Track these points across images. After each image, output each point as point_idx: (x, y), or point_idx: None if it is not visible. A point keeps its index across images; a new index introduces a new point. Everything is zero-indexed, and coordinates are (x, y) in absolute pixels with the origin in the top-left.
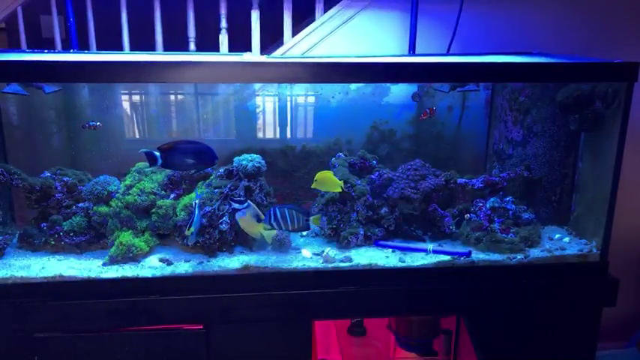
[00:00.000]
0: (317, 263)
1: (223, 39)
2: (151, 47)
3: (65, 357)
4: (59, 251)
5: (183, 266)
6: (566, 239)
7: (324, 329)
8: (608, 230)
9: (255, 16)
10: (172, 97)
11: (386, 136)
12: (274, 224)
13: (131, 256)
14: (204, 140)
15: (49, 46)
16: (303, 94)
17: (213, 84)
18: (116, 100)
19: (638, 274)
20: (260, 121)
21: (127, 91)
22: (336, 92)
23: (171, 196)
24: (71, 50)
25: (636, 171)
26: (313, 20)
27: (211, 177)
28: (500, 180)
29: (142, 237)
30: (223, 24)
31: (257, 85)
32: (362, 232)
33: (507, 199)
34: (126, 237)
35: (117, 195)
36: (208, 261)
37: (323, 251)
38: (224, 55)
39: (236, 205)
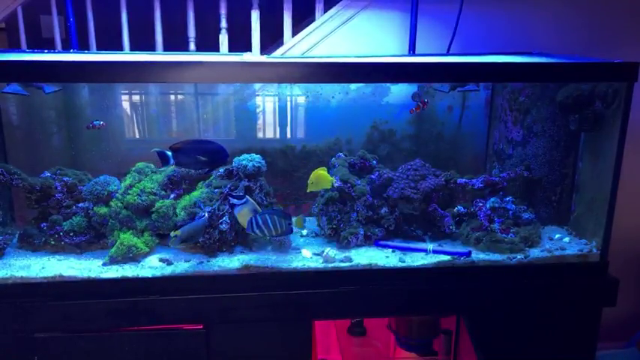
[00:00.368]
0: (317, 263)
1: (223, 39)
2: (151, 47)
3: (65, 357)
4: (59, 251)
5: (183, 266)
6: (566, 239)
7: (324, 329)
8: (608, 230)
9: (255, 16)
10: (172, 97)
11: (386, 136)
12: (257, 232)
13: (131, 256)
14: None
15: (49, 46)
16: (303, 94)
17: (214, 84)
18: (116, 100)
19: (638, 274)
20: (260, 121)
21: (127, 91)
22: (336, 92)
23: (171, 196)
24: (71, 50)
25: (636, 171)
26: (313, 20)
27: (211, 177)
28: (500, 180)
29: (141, 237)
30: (223, 24)
31: (257, 85)
32: (362, 232)
33: (507, 199)
34: (126, 237)
35: (117, 195)
36: (208, 261)
37: (323, 251)
38: (224, 55)
39: (234, 201)
